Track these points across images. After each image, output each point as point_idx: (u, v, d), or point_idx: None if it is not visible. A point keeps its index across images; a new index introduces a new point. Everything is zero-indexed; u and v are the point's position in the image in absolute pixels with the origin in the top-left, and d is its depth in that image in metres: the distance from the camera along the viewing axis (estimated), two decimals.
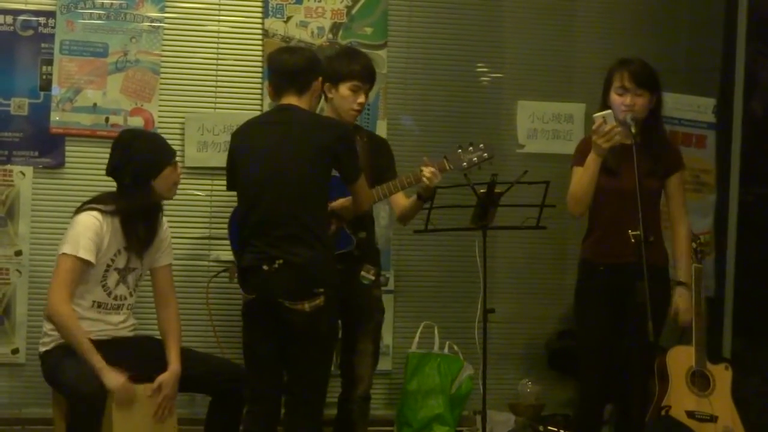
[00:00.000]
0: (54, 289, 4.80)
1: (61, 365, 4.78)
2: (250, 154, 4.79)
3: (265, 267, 4.69)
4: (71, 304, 4.79)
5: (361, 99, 5.29)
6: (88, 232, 4.82)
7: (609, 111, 4.99)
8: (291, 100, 4.84)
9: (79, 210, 4.94)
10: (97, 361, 4.72)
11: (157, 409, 4.85)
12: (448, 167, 5.24)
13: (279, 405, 4.91)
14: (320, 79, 4.97)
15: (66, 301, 4.77)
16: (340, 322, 5.45)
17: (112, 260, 4.92)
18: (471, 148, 5.29)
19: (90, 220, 4.86)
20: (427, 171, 5.17)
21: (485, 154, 5.30)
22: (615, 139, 4.96)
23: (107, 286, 4.92)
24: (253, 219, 4.75)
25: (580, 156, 5.20)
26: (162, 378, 4.87)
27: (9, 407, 5.86)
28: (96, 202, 4.96)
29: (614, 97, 5.12)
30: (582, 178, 5.12)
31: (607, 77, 5.19)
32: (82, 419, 4.64)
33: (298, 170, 4.73)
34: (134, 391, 4.78)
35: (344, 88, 5.27)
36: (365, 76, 5.30)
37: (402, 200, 5.39)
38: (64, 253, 4.81)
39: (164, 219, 5.12)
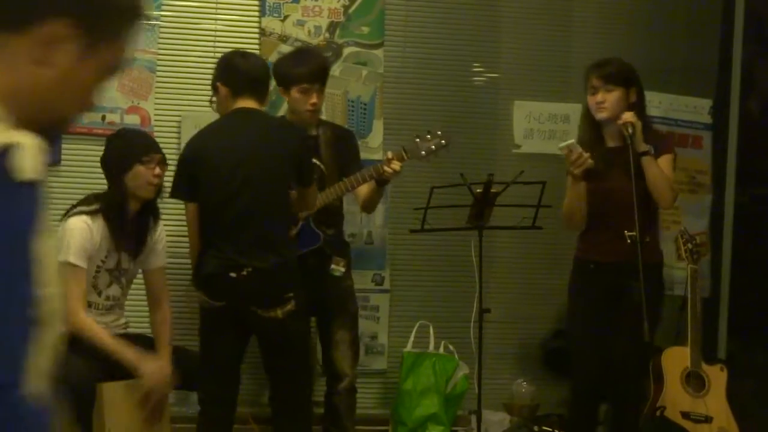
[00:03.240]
0: (67, 307, 4.80)
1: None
2: (221, 158, 4.76)
3: (232, 274, 4.68)
4: (84, 312, 4.79)
5: (313, 99, 5.29)
6: (76, 237, 4.82)
7: (572, 141, 5.04)
8: (250, 104, 4.83)
9: (67, 214, 4.94)
10: (131, 355, 4.73)
11: (150, 413, 4.86)
12: (406, 157, 5.26)
13: (234, 409, 4.93)
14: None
15: (80, 312, 4.77)
16: (314, 318, 5.48)
17: (103, 261, 4.92)
18: (429, 135, 5.32)
19: (78, 225, 4.85)
20: (394, 165, 5.18)
21: (442, 141, 5.32)
22: (587, 164, 4.99)
23: (98, 287, 4.93)
24: (222, 222, 4.72)
25: None
26: (151, 382, 4.88)
27: None
28: (81, 204, 4.96)
29: (589, 99, 5.17)
30: (568, 202, 5.16)
31: (585, 81, 5.23)
32: (73, 414, 4.63)
33: (270, 173, 4.75)
34: (171, 373, 4.80)
35: (294, 92, 5.29)
36: (312, 77, 5.28)
37: (362, 189, 5.41)
38: (61, 262, 4.80)
39: (160, 221, 5.11)
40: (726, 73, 6.72)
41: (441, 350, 6.18)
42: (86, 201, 4.98)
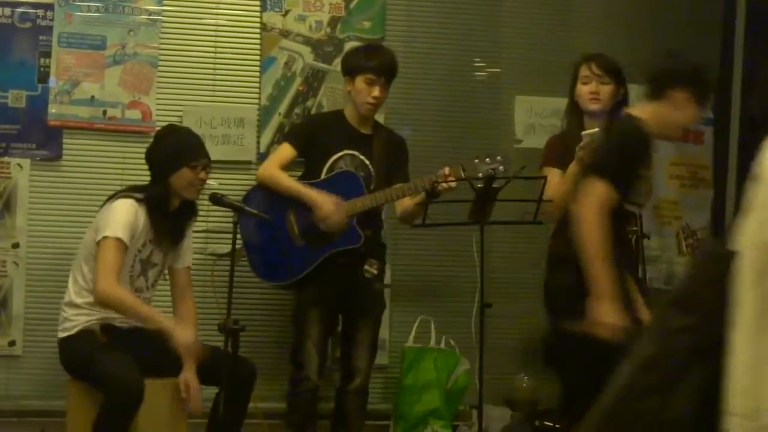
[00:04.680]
0: (100, 275, 4.82)
1: (97, 355, 4.78)
2: None
3: None
4: (118, 284, 4.82)
5: (376, 93, 5.38)
6: (124, 216, 4.87)
7: (597, 129, 5.00)
8: None
9: (113, 197, 4.97)
10: (165, 321, 4.82)
11: (192, 403, 4.90)
12: (463, 175, 5.22)
13: None
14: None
15: (114, 283, 4.80)
16: (340, 315, 5.50)
17: (139, 251, 4.97)
18: (488, 159, 5.25)
19: (126, 206, 4.91)
20: (451, 182, 5.18)
21: (501, 167, 5.26)
22: None
23: (132, 275, 4.98)
24: None
25: (553, 156, 5.21)
26: (184, 377, 4.89)
27: (5, 399, 5.86)
28: (130, 190, 5.02)
29: (580, 88, 5.16)
30: (565, 189, 5.11)
31: (573, 73, 5.23)
32: (119, 415, 4.64)
33: None
34: (200, 347, 4.88)
35: (359, 81, 5.39)
36: (380, 70, 5.39)
37: (406, 200, 5.41)
38: (105, 237, 4.83)
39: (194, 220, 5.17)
40: (728, 68, 6.72)
41: (442, 345, 6.18)
42: (134, 189, 5.04)
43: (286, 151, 5.53)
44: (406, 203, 5.43)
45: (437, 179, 5.19)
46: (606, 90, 5.12)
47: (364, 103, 5.39)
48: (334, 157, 5.44)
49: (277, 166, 5.47)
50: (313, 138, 5.49)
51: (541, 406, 6.25)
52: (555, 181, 5.15)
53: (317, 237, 5.36)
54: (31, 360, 5.79)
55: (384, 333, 6.17)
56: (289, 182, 5.44)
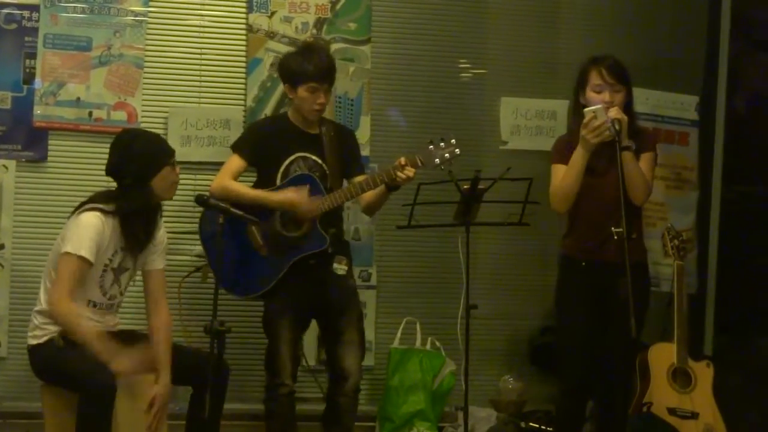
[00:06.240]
0: (54, 288, 4.78)
1: (66, 358, 4.75)
2: None
3: None
4: (71, 301, 4.77)
5: (321, 99, 5.30)
6: (90, 232, 4.79)
7: (600, 106, 4.93)
8: None
9: (79, 209, 4.89)
10: (104, 349, 4.71)
11: (152, 421, 4.85)
12: (420, 164, 5.17)
13: None
14: None
15: (65, 298, 4.75)
16: (314, 317, 5.46)
17: (110, 260, 4.90)
18: (442, 144, 5.19)
19: (93, 220, 4.82)
20: (408, 172, 5.13)
21: (457, 150, 5.22)
22: (604, 135, 4.91)
23: (103, 286, 4.92)
24: None
25: (559, 154, 5.19)
26: (155, 391, 4.86)
27: None
28: (96, 201, 4.92)
29: (592, 96, 5.07)
30: (568, 175, 5.07)
31: (580, 76, 5.15)
32: (96, 410, 4.61)
33: None
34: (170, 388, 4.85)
35: (302, 90, 5.30)
36: (321, 76, 5.29)
37: (368, 193, 5.36)
38: (66, 252, 4.78)
39: (162, 222, 5.10)
40: (713, 70, 6.74)
41: (428, 346, 6.18)
42: (101, 199, 4.93)
43: (235, 163, 5.42)
44: (368, 196, 5.37)
45: (394, 170, 5.15)
46: (619, 98, 5.04)
47: (311, 110, 5.31)
48: (287, 161, 5.36)
49: (230, 179, 5.39)
50: (262, 146, 5.41)
51: (526, 407, 6.26)
52: (560, 176, 5.13)
53: (282, 244, 5.32)
54: (16, 362, 5.77)
55: (370, 334, 6.17)
56: (248, 191, 5.37)
